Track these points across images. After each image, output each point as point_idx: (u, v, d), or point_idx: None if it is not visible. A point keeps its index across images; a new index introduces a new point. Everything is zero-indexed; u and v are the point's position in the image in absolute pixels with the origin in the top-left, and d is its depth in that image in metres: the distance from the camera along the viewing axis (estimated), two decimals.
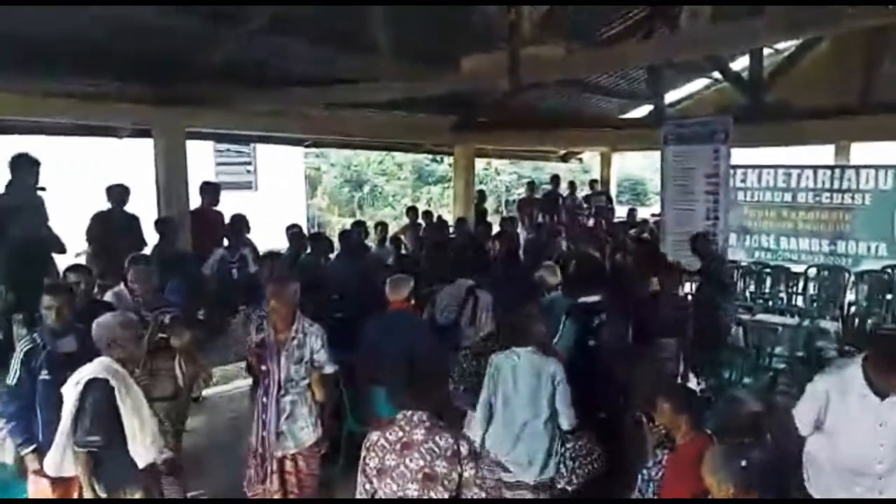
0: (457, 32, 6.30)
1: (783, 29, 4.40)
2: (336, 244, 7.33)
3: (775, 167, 9.50)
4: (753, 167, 9.62)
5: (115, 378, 3.26)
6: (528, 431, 3.73)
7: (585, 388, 3.93)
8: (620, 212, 11.74)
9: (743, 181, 9.62)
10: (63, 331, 3.66)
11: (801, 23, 4.19)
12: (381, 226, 8.57)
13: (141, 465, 3.30)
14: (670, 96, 10.75)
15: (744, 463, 2.48)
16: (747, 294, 8.54)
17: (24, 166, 5.73)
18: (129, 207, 6.53)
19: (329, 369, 3.97)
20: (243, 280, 6.08)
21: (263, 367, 3.86)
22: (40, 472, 3.56)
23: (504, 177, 22.05)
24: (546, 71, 5.08)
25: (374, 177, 21.76)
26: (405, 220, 9.90)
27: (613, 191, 13.06)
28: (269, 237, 8.91)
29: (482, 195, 11.60)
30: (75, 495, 3.44)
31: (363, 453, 2.71)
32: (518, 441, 3.74)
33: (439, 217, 9.18)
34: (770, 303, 8.19)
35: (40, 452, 3.53)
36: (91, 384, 3.23)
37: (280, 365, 3.82)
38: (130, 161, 8.58)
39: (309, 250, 6.74)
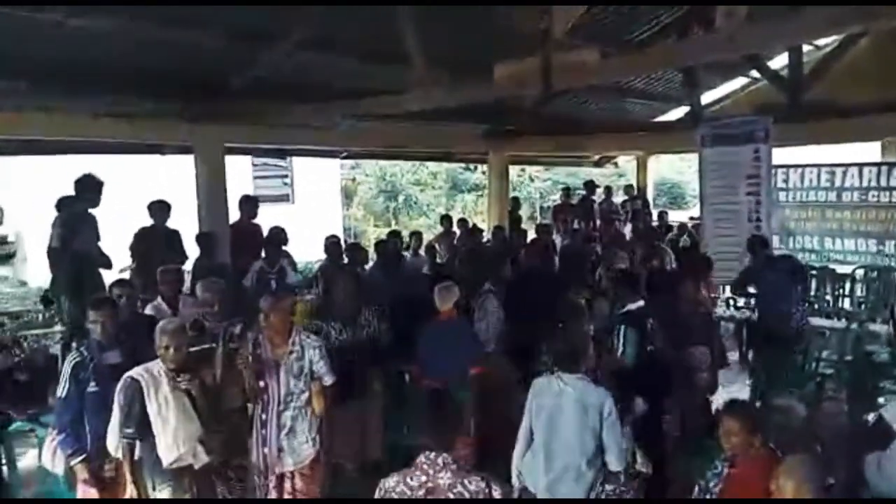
0: (489, 40, 6.31)
1: (821, 26, 4.30)
2: (372, 254, 7.39)
3: (818, 166, 9.27)
4: (796, 167, 9.40)
5: (148, 378, 3.41)
6: (570, 475, 3.38)
7: (655, 396, 3.85)
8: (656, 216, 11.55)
9: (785, 181, 9.41)
10: (108, 344, 3.76)
11: (839, 19, 4.08)
12: (416, 235, 8.60)
13: (165, 462, 3.38)
14: (707, 97, 10.56)
15: (832, 481, 2.40)
16: None
17: (90, 186, 5.92)
18: (171, 222, 6.69)
19: (329, 380, 3.91)
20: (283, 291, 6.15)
21: (262, 383, 3.80)
22: (89, 482, 3.66)
23: (538, 183, 21.95)
24: (579, 76, 5.05)
25: (409, 186, 21.87)
26: (440, 229, 9.92)
27: (650, 195, 12.87)
28: (306, 248, 9.07)
29: (516, 202, 11.55)
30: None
31: (378, 496, 2.50)
32: (557, 483, 3.40)
33: (474, 225, 9.16)
34: (816, 306, 7.95)
35: (89, 462, 3.64)
36: (125, 382, 3.43)
37: (279, 380, 3.79)
38: (174, 177, 8.84)
39: (346, 260, 6.80)
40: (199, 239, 6.63)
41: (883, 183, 8.72)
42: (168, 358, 3.44)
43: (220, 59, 6.33)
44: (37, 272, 9.48)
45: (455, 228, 9.55)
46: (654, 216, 10.82)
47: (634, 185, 12.48)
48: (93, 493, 3.66)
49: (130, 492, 3.37)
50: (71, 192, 5.89)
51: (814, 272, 8.57)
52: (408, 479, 2.46)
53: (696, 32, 7.68)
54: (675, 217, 11.21)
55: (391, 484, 2.49)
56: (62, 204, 5.92)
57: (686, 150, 10.79)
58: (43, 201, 6.33)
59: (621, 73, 6.23)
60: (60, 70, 5.67)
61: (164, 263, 5.48)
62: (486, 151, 10.77)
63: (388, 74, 6.59)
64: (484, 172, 13.23)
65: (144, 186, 8.42)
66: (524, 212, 13.28)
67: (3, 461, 4.43)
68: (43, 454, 3.91)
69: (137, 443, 3.39)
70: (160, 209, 6.63)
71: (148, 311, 4.97)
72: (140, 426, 3.38)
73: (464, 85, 5.91)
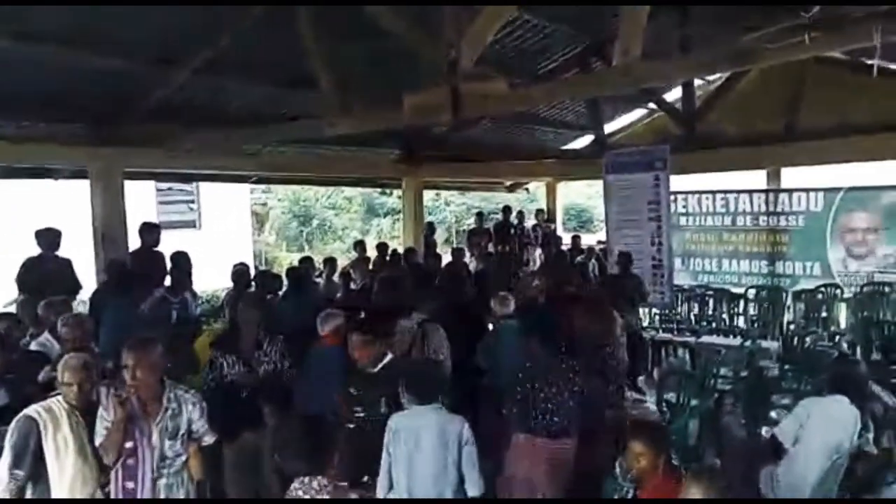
0: (398, 69, 6.39)
1: (705, 65, 4.63)
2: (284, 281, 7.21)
3: (713, 192, 9.85)
4: (694, 192, 9.95)
5: (46, 417, 3.18)
6: None
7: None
8: (566, 239, 11.94)
9: (685, 206, 9.94)
10: None
11: (721, 59, 4.43)
12: (330, 261, 8.48)
13: None
14: (610, 126, 11.08)
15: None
16: (692, 317, 8.75)
17: None
18: (63, 251, 6.31)
19: (209, 439, 3.49)
20: (183, 323, 5.92)
21: (129, 444, 3.23)
22: None
23: (454, 207, 22.25)
24: (487, 105, 5.17)
25: (323, 211, 21.65)
26: (354, 255, 9.83)
27: (560, 219, 13.29)
28: (213, 276, 8.76)
29: (431, 227, 11.64)
30: None
31: None
32: None
33: (394, 251, 9.14)
34: (714, 325, 8.41)
35: None
36: (19, 421, 3.19)
37: (151, 442, 3.27)
38: (66, 203, 8.36)
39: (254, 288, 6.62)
40: (110, 267, 6.28)
41: (771, 208, 9.38)
42: (71, 395, 3.23)
43: (122, 82, 6.11)
44: None
45: (369, 254, 9.49)
46: (567, 240, 11.17)
47: (545, 209, 12.87)
48: None
49: None
50: None
51: (711, 293, 9.07)
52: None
53: (595, 66, 8.09)
54: (584, 241, 11.60)
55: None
56: None
57: (592, 177, 11.23)
58: None
59: (527, 102, 6.43)
60: None
61: (55, 295, 5.16)
62: (401, 176, 10.83)
63: (299, 100, 6.52)
64: (399, 197, 13.25)
65: (38, 213, 7.90)
66: (440, 236, 13.39)
67: None
68: None
69: (29, 485, 3.16)
70: (49, 236, 6.22)
71: (33, 346, 4.64)
72: (33, 467, 3.15)
73: (375, 112, 5.94)
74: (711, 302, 8.91)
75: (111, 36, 5.37)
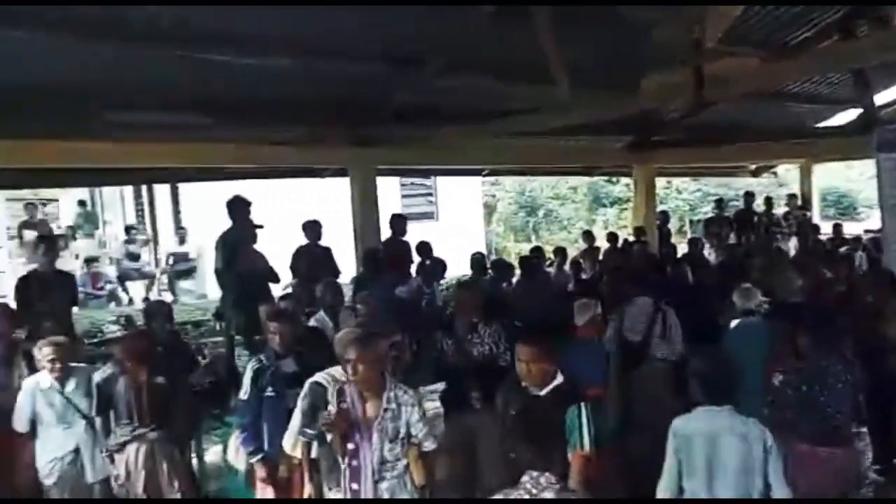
0: (634, 53, 6.20)
1: None
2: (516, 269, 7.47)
3: None
4: None
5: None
6: None
7: None
8: (825, 228, 10.63)
9: None
10: (285, 353, 4.12)
11: None
12: (560, 251, 8.58)
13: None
14: (882, 98, 9.60)
15: None
16: None
17: (240, 207, 6.58)
18: (325, 241, 7.18)
19: (430, 445, 3.36)
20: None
21: (350, 446, 3.26)
22: (266, 480, 4.02)
23: (686, 195, 20.98)
24: (734, 85, 4.85)
25: (548, 201, 21.78)
26: (581, 244, 9.82)
27: (816, 205, 11.89)
28: (450, 265, 9.33)
29: (665, 216, 11.14)
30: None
31: None
32: None
33: (626, 240, 8.96)
34: None
35: (266, 461, 4.00)
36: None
37: (372, 443, 3.26)
38: (329, 198, 9.52)
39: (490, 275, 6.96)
40: (367, 256, 7.04)
41: None
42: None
43: (372, 86, 6.72)
44: (215, 286, 10.53)
45: (598, 244, 9.41)
46: (827, 229, 9.95)
47: (797, 194, 11.59)
48: (269, 491, 4.01)
49: (308, 491, 3.56)
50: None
51: None
52: (510, 497, 2.45)
53: (861, 32, 7.07)
54: (847, 229, 10.25)
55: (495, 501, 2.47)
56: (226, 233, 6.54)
57: (854, 157, 9.87)
58: (219, 223, 7.11)
59: (779, 78, 5.87)
60: (236, 104, 6.32)
61: (322, 279, 5.91)
62: (631, 164, 10.51)
63: (532, 93, 6.66)
64: (628, 185, 12.89)
65: (301, 208, 9.08)
66: (672, 225, 12.75)
67: (195, 455, 4.97)
68: (228, 450, 4.37)
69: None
70: (313, 228, 7.14)
71: (312, 323, 5.38)
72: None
73: (609, 100, 5.86)
74: None
75: (365, 45, 5.94)
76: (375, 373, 3.25)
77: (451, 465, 4.18)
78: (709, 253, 9.11)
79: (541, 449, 2.58)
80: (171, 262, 12.13)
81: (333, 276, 6.75)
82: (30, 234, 11.70)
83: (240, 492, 4.32)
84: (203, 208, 11.65)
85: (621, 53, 6.44)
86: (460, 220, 14.13)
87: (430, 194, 14.51)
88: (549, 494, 2.38)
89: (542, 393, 3.25)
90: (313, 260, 7.02)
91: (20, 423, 4.24)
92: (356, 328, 4.11)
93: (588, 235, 9.73)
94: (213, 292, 10.94)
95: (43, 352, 4.24)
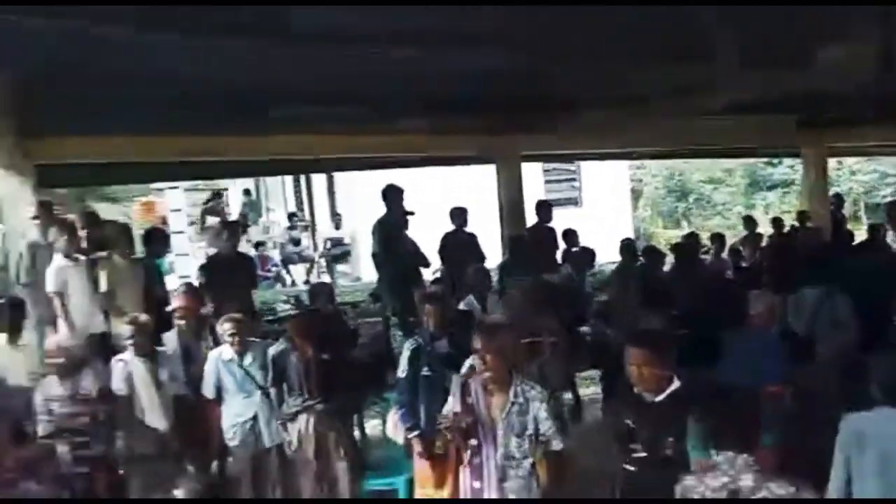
0: (809, 23, 5.69)
1: None
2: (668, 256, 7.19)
3: None
4: None
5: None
6: None
7: None
8: None
9: None
10: (439, 334, 4.27)
11: None
12: (717, 237, 8.13)
13: None
14: None
15: None
16: None
17: (394, 194, 6.88)
18: (471, 227, 7.32)
19: (557, 444, 3.13)
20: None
21: (473, 442, 3.13)
22: (423, 455, 4.20)
23: (861, 176, 18.95)
24: None
25: (700, 185, 20.61)
26: (740, 230, 9.22)
27: None
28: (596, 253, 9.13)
29: (840, 199, 10.17)
30: (450, 477, 3.97)
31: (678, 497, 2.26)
32: None
33: (793, 226, 8.31)
34: None
35: (423, 437, 4.17)
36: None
37: (498, 435, 3.10)
38: (472, 185, 9.69)
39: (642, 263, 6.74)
40: (513, 242, 7.11)
41: None
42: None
43: (516, 75, 6.71)
44: (369, 269, 11.09)
45: (761, 230, 8.79)
46: None
47: None
48: (425, 466, 4.19)
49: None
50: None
51: None
52: (707, 480, 2.31)
53: None
54: None
55: (690, 483, 2.34)
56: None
57: None
58: (372, 209, 7.47)
59: None
60: (388, 96, 6.58)
61: (468, 264, 6.04)
62: (800, 144, 9.67)
63: (691, 72, 6.32)
64: (791, 166, 11.87)
65: (449, 195, 9.29)
66: (846, 210, 11.61)
67: (357, 427, 5.30)
68: (387, 425, 4.62)
69: None
70: (460, 215, 7.30)
71: (461, 306, 5.53)
72: None
73: (777, 75, 5.43)
74: None
75: (507, 38, 5.94)
76: (503, 365, 3.08)
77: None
78: (893, 240, 8.21)
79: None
80: (328, 246, 12.93)
81: (479, 261, 6.89)
82: (212, 220, 13.01)
83: (399, 462, 4.55)
84: (357, 195, 12.32)
85: (791, 24, 5.95)
86: (605, 205, 13.77)
87: (574, 179, 14.26)
88: (747, 477, 2.23)
89: (658, 399, 2.95)
90: (460, 246, 7.20)
91: (208, 390, 4.74)
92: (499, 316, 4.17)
93: (749, 221, 9.13)
94: (367, 275, 11.58)
95: (224, 327, 4.71)
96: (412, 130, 7.20)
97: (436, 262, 7.36)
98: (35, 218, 5.47)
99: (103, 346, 5.05)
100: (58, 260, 5.17)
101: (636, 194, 19.10)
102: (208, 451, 5.01)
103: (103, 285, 5.27)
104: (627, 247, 6.90)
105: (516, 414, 3.08)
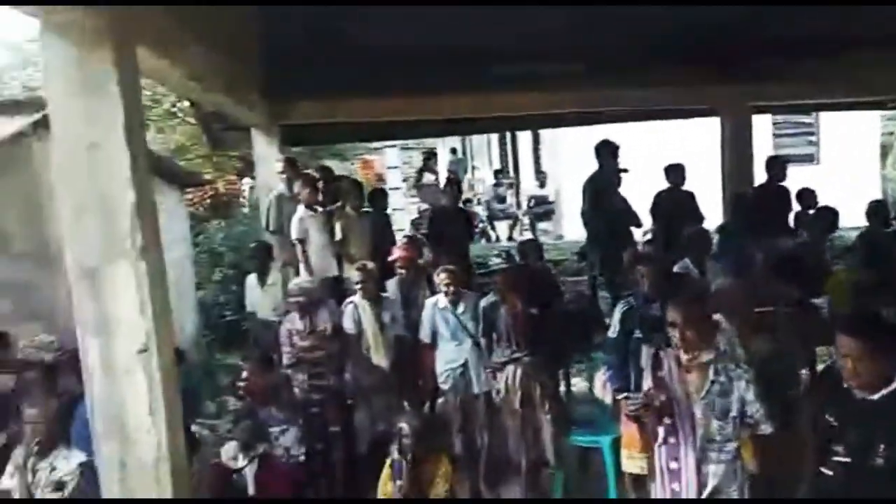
0: None
1: None
2: None
3: None
4: None
5: None
6: None
7: None
8: None
9: None
10: (653, 297, 4.10)
11: None
12: None
13: None
14: None
15: None
16: None
17: (607, 150, 6.68)
18: (688, 185, 6.89)
19: (766, 428, 2.92)
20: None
21: (667, 421, 2.95)
22: (630, 418, 4.12)
23: None
24: None
25: None
26: None
27: None
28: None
29: None
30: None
31: None
32: None
33: None
34: None
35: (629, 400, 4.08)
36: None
37: (696, 415, 2.90)
38: (690, 140, 9.05)
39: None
40: (736, 202, 6.59)
41: None
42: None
43: (745, 16, 6.07)
44: (571, 227, 10.98)
45: None
46: None
47: None
48: (632, 428, 4.09)
49: None
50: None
51: None
52: None
53: None
54: None
55: None
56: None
57: None
58: (578, 167, 7.30)
59: None
60: (605, 49, 6.33)
61: (683, 225, 5.69)
62: None
63: None
64: None
65: (662, 151, 8.78)
66: None
67: (564, 385, 5.36)
68: (594, 384, 4.60)
69: None
70: (677, 172, 6.87)
71: (676, 269, 5.24)
72: None
73: None
74: None
75: None
76: (704, 340, 2.88)
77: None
78: None
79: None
80: (531, 204, 13.00)
81: (697, 222, 6.46)
82: (429, 178, 13.74)
83: (606, 422, 4.52)
84: (562, 154, 12.17)
85: None
86: (848, 162, 12.04)
87: (812, 133, 12.60)
88: None
89: (872, 398, 2.48)
90: (675, 205, 6.82)
91: (424, 335, 5.05)
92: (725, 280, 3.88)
93: None
94: (569, 233, 11.47)
95: (441, 277, 4.96)
96: (630, 83, 6.88)
97: (647, 221, 7.08)
98: (282, 173, 6.16)
99: (336, 289, 5.60)
100: (300, 210, 5.79)
101: (886, 150, 16.45)
102: (423, 390, 5.40)
103: (338, 234, 5.83)
104: (875, 210, 6.01)
105: (717, 394, 2.88)
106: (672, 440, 2.98)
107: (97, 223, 2.56)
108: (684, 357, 2.87)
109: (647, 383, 3.00)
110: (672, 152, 7.97)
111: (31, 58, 16.21)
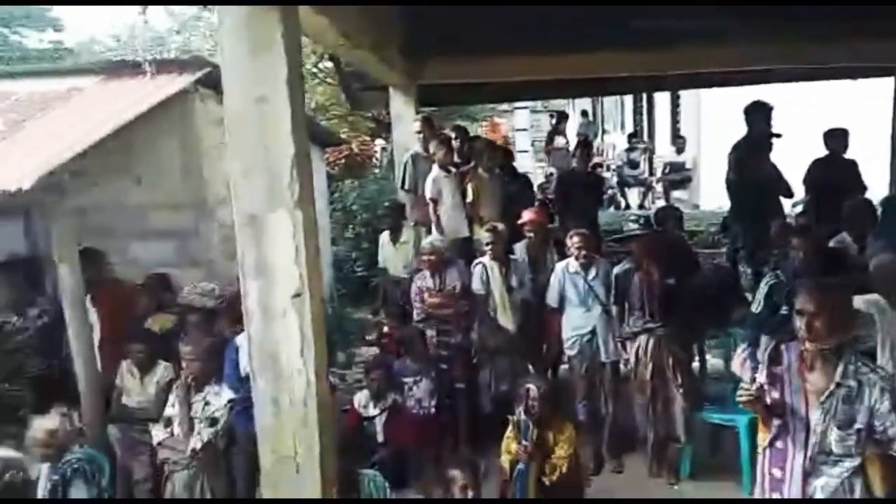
0: None
1: None
2: None
3: None
4: None
5: None
6: None
7: None
8: None
9: None
10: (804, 271, 3.81)
11: None
12: None
13: None
14: None
15: None
16: None
17: (759, 113, 6.18)
18: (850, 153, 6.29)
19: None
20: None
21: (777, 422, 2.58)
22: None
23: None
24: None
25: None
26: None
27: None
28: None
29: None
30: None
31: None
32: None
33: None
34: None
35: None
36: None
37: (811, 420, 2.50)
38: (858, 103, 8.17)
39: None
40: None
41: None
42: None
43: None
44: (709, 196, 10.37)
45: None
46: None
47: None
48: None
49: None
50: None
51: None
52: None
53: None
54: None
55: None
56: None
57: None
58: (722, 132, 6.75)
59: None
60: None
61: (841, 197, 5.19)
62: None
63: None
64: None
65: (823, 114, 8.00)
66: None
67: (699, 360, 5.16)
68: (733, 360, 4.36)
69: None
70: (838, 138, 6.26)
71: (832, 244, 4.83)
72: None
73: None
74: None
75: None
76: (836, 333, 2.46)
77: None
78: None
79: None
80: (667, 171, 12.40)
81: (859, 193, 5.89)
82: (560, 141, 13.48)
83: (732, 400, 4.30)
84: (703, 118, 11.47)
85: None
86: None
87: None
88: None
89: None
90: (833, 174, 6.23)
91: (552, 299, 4.99)
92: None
93: None
94: (707, 203, 10.84)
95: (573, 240, 4.85)
96: (785, 38, 6.29)
97: (799, 191, 6.53)
98: (418, 132, 6.26)
99: (466, 249, 5.66)
100: (435, 170, 5.86)
101: None
102: (547, 355, 5.39)
103: (470, 195, 5.86)
104: None
105: (842, 400, 2.47)
106: (780, 444, 2.62)
107: (261, 173, 2.75)
108: (809, 347, 2.49)
109: (761, 377, 2.64)
110: (831, 117, 7.24)
111: (189, 22, 17.57)
